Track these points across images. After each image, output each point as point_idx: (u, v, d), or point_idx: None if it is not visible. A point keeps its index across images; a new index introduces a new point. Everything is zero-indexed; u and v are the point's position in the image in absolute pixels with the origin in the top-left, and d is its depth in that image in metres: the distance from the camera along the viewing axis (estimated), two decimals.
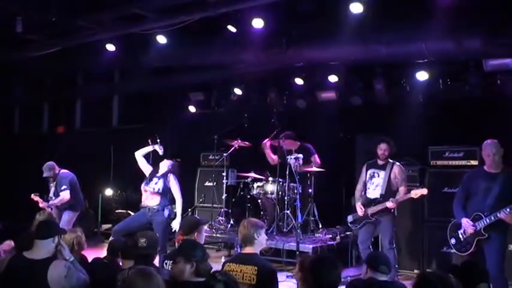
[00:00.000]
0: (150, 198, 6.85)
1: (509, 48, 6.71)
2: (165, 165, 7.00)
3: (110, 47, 8.66)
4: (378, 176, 6.63)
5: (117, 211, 10.14)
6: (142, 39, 8.29)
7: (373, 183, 6.63)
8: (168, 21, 7.68)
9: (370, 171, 6.71)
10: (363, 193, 6.73)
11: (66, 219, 7.63)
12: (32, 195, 7.77)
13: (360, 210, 6.60)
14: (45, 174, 7.77)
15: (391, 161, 6.67)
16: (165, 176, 6.88)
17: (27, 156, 12.22)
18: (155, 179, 6.90)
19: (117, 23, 8.02)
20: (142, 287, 3.06)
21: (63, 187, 7.67)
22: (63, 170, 7.88)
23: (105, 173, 10.82)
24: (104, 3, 7.58)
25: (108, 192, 10.80)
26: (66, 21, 7.91)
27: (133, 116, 11.83)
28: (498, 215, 5.09)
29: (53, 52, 8.92)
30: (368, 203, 6.60)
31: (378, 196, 6.54)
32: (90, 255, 4.95)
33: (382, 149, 6.61)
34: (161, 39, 8.06)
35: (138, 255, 4.22)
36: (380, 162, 6.68)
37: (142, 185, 6.97)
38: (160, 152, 7.03)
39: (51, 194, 7.84)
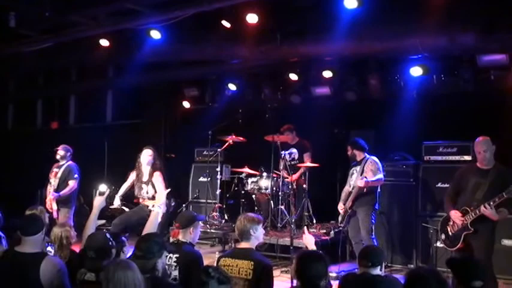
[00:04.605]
0: (147, 200, 6.94)
1: (502, 43, 6.74)
2: (146, 167, 6.98)
3: (104, 42, 8.63)
4: (356, 171, 6.99)
5: (111, 207, 10.10)
6: (137, 34, 8.27)
7: (352, 179, 7.01)
8: (162, 16, 7.65)
9: (351, 170, 7.12)
10: (347, 192, 7.07)
11: (62, 219, 7.63)
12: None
13: (340, 209, 7.01)
14: (60, 152, 7.98)
15: (367, 156, 6.99)
16: (150, 181, 6.89)
17: (21, 153, 12.19)
18: (144, 187, 6.94)
19: (111, 18, 7.99)
20: (116, 279, 3.10)
21: (75, 175, 7.84)
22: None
23: (99, 168, 10.79)
24: None
25: (102, 188, 10.76)
26: (60, 16, 7.87)
27: (127, 111, 11.81)
28: (481, 210, 5.15)
29: (47, 47, 8.88)
30: (348, 197, 6.97)
31: (352, 188, 6.94)
32: None
33: (349, 150, 7.13)
34: (155, 34, 8.04)
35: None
36: (357, 160, 7.06)
37: (136, 194, 7.08)
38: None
39: (50, 188, 7.89)
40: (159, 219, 4.98)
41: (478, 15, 6.63)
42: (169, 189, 5.00)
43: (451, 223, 5.50)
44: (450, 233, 5.48)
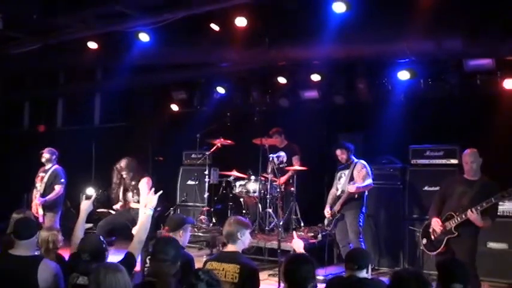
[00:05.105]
0: (132, 204, 6.90)
1: (488, 48, 6.80)
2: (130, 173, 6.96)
3: (92, 45, 8.59)
4: (344, 175, 7.02)
5: (98, 210, 10.05)
6: (126, 36, 8.24)
7: (340, 183, 7.05)
8: (151, 19, 7.63)
9: (338, 174, 7.16)
10: (335, 196, 7.11)
11: (48, 223, 7.57)
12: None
13: (326, 213, 7.04)
14: (45, 155, 7.88)
15: (355, 160, 7.03)
16: (136, 187, 6.88)
17: (7, 156, 12.09)
18: (130, 194, 6.91)
19: (100, 21, 7.95)
20: (106, 281, 3.08)
21: (62, 180, 7.77)
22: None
23: (86, 172, 10.73)
24: (86, 0, 7.52)
25: (90, 191, 10.70)
26: (48, 19, 7.83)
27: (115, 114, 11.75)
28: (467, 214, 5.23)
29: (35, 49, 8.82)
30: (335, 201, 6.99)
31: (341, 192, 6.96)
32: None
33: (338, 155, 7.11)
34: (144, 37, 8.01)
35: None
36: (345, 164, 7.10)
37: (120, 198, 7.02)
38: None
39: (35, 193, 7.82)
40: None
41: (465, 20, 6.68)
42: (161, 191, 4.98)
43: (431, 229, 5.59)
44: (432, 237, 5.56)
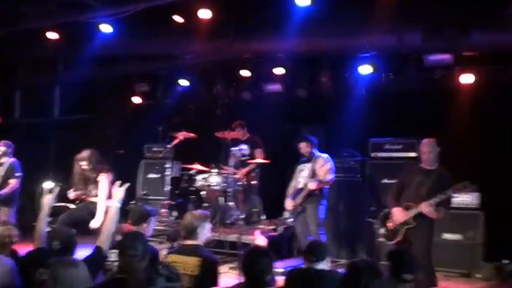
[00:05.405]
0: (92, 197, 6.79)
1: (447, 43, 6.93)
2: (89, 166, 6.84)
3: (53, 35, 8.41)
4: (306, 168, 7.03)
5: (56, 204, 9.86)
6: (87, 27, 8.08)
7: (302, 176, 7.04)
8: (113, 9, 7.53)
9: (299, 167, 7.14)
10: (296, 189, 7.09)
11: (3, 218, 7.39)
12: None
13: (287, 205, 7.05)
14: (1, 148, 7.65)
15: (317, 154, 7.03)
16: (95, 180, 6.76)
17: None
18: (90, 186, 6.78)
19: (61, 11, 7.80)
20: (65, 276, 3.01)
21: (17, 174, 7.56)
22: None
23: (45, 165, 10.52)
24: None
25: (48, 185, 10.50)
26: (9, 8, 7.64)
27: (76, 106, 11.52)
28: (421, 207, 5.32)
29: None
30: (296, 194, 6.99)
31: (303, 186, 6.95)
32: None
33: (301, 147, 7.06)
34: (106, 28, 7.88)
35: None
36: (307, 157, 7.07)
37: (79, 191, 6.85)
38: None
39: None
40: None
41: (425, 16, 6.80)
42: (128, 184, 4.93)
43: (392, 218, 5.65)
44: (391, 227, 5.62)
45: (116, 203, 4.51)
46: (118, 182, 4.78)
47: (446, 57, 7.41)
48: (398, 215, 5.54)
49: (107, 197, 6.45)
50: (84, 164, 6.73)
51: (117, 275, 3.66)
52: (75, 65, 10.19)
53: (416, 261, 3.53)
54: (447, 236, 7.09)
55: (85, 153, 6.76)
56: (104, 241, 4.18)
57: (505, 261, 6.93)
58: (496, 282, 6.76)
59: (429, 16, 6.82)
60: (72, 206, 7.48)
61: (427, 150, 5.57)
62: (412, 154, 7.39)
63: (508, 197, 7.29)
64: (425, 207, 5.28)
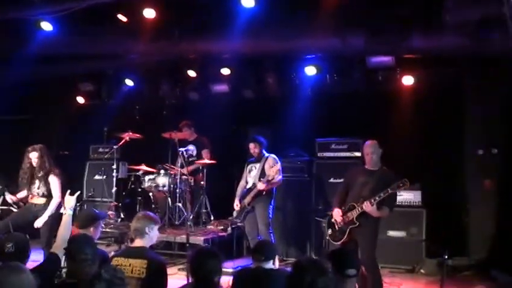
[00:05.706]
0: (36, 198, 6.58)
1: (389, 46, 7.12)
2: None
3: None
4: (255, 168, 7.14)
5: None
6: (27, 25, 7.83)
7: (251, 176, 7.14)
8: (54, 7, 7.31)
9: (249, 167, 7.26)
10: (244, 189, 7.18)
11: None
12: None
13: (236, 205, 7.10)
14: None
15: (266, 154, 7.14)
16: (45, 178, 6.58)
17: None
18: (37, 182, 6.58)
19: None
20: (10, 282, 2.92)
21: None
22: None
23: None
24: None
25: None
26: None
27: (16, 106, 11.14)
28: (363, 206, 5.46)
29: None
30: (245, 194, 7.08)
31: (252, 185, 7.04)
32: None
33: (251, 148, 7.19)
34: (46, 26, 7.67)
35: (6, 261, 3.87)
36: (256, 157, 7.18)
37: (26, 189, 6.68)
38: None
39: None
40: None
41: (368, 19, 6.97)
42: (78, 192, 4.84)
43: (333, 219, 5.78)
44: (337, 228, 5.75)
45: (68, 211, 4.54)
46: (69, 191, 4.82)
47: (387, 59, 7.63)
48: (337, 216, 5.68)
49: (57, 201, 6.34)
50: (35, 157, 6.52)
51: (68, 280, 3.59)
52: (15, 63, 9.87)
53: (357, 257, 3.63)
54: (391, 233, 7.33)
55: (36, 146, 6.59)
56: (59, 248, 4.10)
57: (446, 257, 7.20)
58: (439, 277, 7.00)
59: (371, 20, 6.99)
60: (14, 209, 7.25)
61: (370, 152, 5.71)
62: (357, 154, 7.57)
63: (448, 195, 7.59)
64: (367, 206, 5.42)
